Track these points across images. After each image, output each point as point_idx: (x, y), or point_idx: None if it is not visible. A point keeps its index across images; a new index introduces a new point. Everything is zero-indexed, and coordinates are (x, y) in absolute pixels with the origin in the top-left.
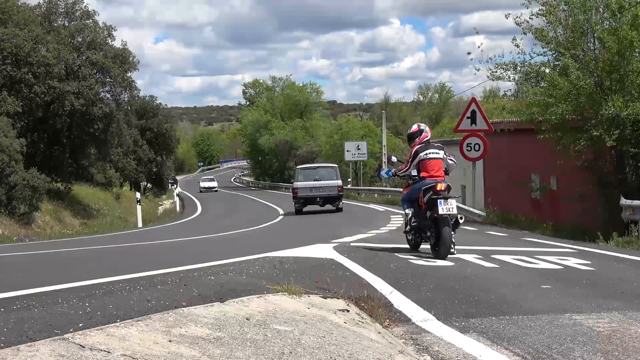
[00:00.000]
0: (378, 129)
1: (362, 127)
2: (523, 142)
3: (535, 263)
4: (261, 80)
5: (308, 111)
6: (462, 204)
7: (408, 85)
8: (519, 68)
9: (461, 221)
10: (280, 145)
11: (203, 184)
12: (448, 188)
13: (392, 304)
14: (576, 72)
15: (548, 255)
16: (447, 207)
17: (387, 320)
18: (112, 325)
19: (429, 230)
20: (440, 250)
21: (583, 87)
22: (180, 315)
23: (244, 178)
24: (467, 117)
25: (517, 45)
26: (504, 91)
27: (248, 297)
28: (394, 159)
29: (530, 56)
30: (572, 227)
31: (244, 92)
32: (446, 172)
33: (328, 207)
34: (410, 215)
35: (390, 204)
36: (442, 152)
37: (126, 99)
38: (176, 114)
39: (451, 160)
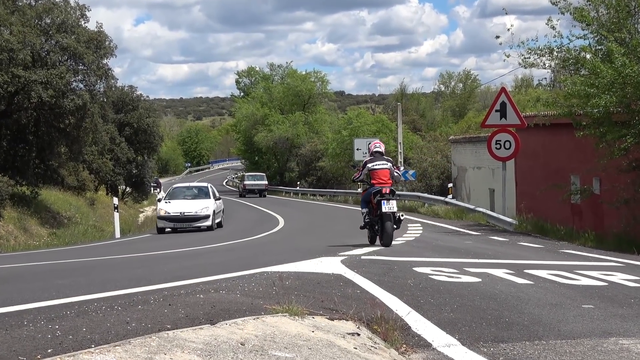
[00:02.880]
0: (393, 123)
1: (375, 121)
2: (561, 138)
3: (575, 279)
4: (257, 68)
5: (312, 103)
6: (491, 210)
7: (427, 74)
8: (555, 53)
9: (402, 218)
10: (279, 142)
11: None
12: (392, 192)
13: (409, 327)
14: (622, 58)
15: (590, 270)
16: (388, 207)
17: (404, 346)
18: (85, 351)
19: (377, 224)
20: (384, 239)
21: (630, 75)
22: (164, 339)
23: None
24: (496, 110)
25: (553, 27)
26: (538, 80)
27: (243, 318)
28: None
29: (569, 40)
30: (618, 237)
31: (237, 82)
32: (395, 181)
33: (333, 209)
34: (365, 214)
35: (407, 211)
36: (389, 164)
37: (102, 89)
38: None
39: (397, 172)
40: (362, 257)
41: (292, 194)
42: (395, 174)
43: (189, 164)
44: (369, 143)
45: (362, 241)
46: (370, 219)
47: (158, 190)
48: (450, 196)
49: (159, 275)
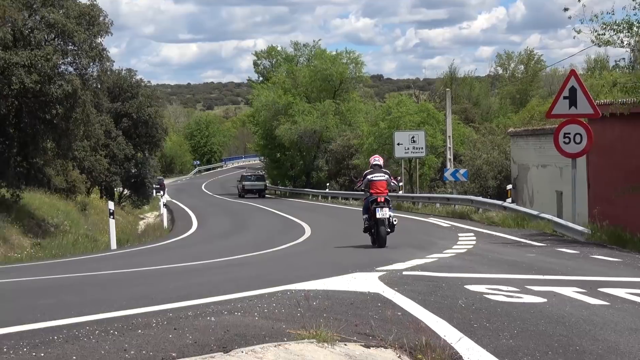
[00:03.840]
0: (441, 113)
1: (419, 111)
2: None
3: None
4: (279, 48)
5: (344, 90)
6: (558, 216)
7: (482, 53)
8: (635, 29)
9: (395, 223)
10: (305, 137)
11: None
12: (386, 200)
13: (460, 356)
14: None
15: None
16: (382, 213)
17: None
18: None
19: (374, 228)
20: (379, 242)
21: None
22: None
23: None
24: (565, 97)
25: None
26: (615, 61)
27: (262, 345)
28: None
29: None
30: None
31: (255, 64)
32: (392, 189)
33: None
34: (365, 219)
35: (459, 218)
36: (386, 175)
37: (95, 73)
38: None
39: (394, 182)
40: (404, 273)
41: (320, 198)
42: (392, 183)
43: (198, 162)
44: (411, 136)
45: (405, 254)
46: (369, 223)
47: (161, 192)
48: (509, 200)
49: (162, 294)
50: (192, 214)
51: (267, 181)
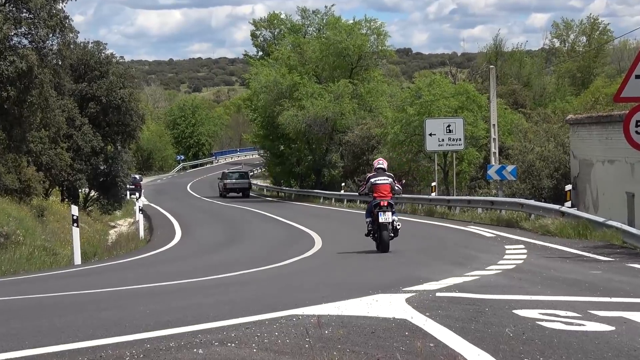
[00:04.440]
0: (483, 96)
1: (457, 93)
2: None
3: None
4: (283, 16)
5: (363, 67)
6: (629, 224)
7: (534, 22)
8: None
9: (398, 227)
10: (315, 125)
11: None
12: (389, 205)
13: None
14: None
15: None
16: (384, 217)
17: None
18: None
19: (376, 233)
20: (381, 247)
21: None
22: None
23: (255, 182)
24: (637, 76)
25: None
26: None
27: None
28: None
29: None
30: None
31: (253, 36)
32: (395, 193)
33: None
34: (368, 223)
35: (505, 226)
36: (389, 179)
37: (55, 47)
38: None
39: (397, 187)
40: (438, 295)
41: (333, 201)
42: (397, 187)
43: (182, 157)
44: (447, 124)
45: (438, 271)
46: (372, 227)
47: (137, 195)
48: (568, 204)
49: (138, 320)
50: (175, 221)
51: (266, 181)
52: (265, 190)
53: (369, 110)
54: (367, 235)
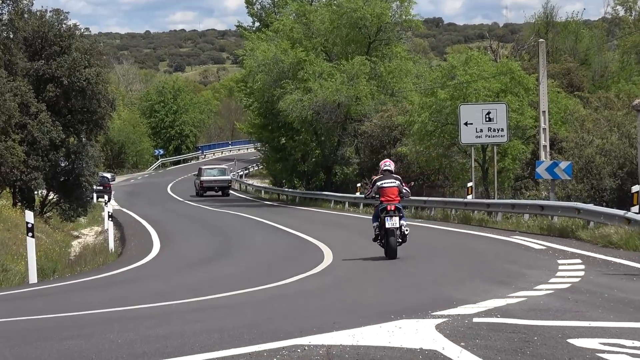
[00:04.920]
0: (531, 77)
1: (498, 73)
2: None
3: None
4: None
5: (383, 41)
6: None
7: None
8: None
9: (407, 233)
10: (325, 112)
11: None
12: (397, 209)
13: None
14: None
15: None
16: (391, 223)
17: None
18: None
19: (384, 239)
20: (388, 254)
21: None
22: None
23: (251, 182)
24: None
25: None
26: None
27: None
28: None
29: None
30: None
31: (249, 3)
32: (403, 196)
33: (423, 233)
34: (375, 227)
35: (558, 236)
36: (397, 182)
37: (5, 17)
38: (109, 47)
39: (405, 189)
40: (475, 320)
41: (347, 205)
42: (404, 190)
43: (161, 152)
44: (486, 111)
45: (475, 290)
46: (379, 232)
47: (106, 198)
48: (635, 208)
49: (107, 352)
50: (153, 230)
51: (264, 181)
52: (262, 192)
53: (390, 94)
54: (374, 240)
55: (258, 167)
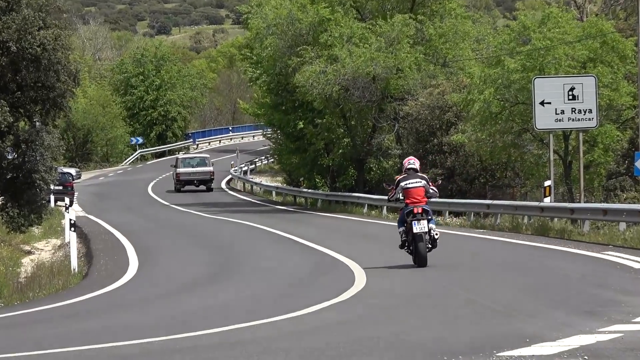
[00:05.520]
0: (628, 42)
1: (585, 36)
2: None
3: None
4: None
5: None
6: None
7: None
8: None
9: (437, 237)
10: (355, 88)
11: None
12: (425, 211)
13: None
14: None
15: None
16: (419, 227)
17: None
18: None
19: (412, 245)
20: (418, 261)
21: None
22: None
23: (258, 181)
24: None
25: None
26: None
27: None
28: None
29: None
30: None
31: None
32: (430, 197)
33: (486, 247)
34: (402, 233)
35: None
36: (423, 181)
37: None
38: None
39: (432, 189)
40: None
41: (385, 211)
42: (431, 190)
43: (140, 140)
44: (569, 86)
45: (554, 323)
46: (406, 238)
47: (67, 201)
48: None
49: None
50: (129, 244)
51: (275, 178)
52: (274, 193)
53: (442, 63)
54: (401, 247)
55: (268, 160)
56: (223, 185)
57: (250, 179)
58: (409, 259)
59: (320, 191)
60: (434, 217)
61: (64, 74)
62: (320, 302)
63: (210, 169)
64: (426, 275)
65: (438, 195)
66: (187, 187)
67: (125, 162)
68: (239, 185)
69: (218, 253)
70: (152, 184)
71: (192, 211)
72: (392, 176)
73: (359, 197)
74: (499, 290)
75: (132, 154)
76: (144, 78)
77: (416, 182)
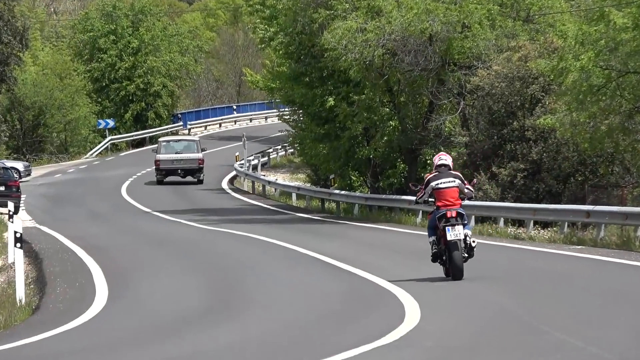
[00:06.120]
0: None
1: None
2: None
3: None
4: None
5: None
6: None
7: None
8: None
9: (474, 245)
10: (405, 52)
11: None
12: (460, 215)
13: None
14: None
15: None
16: (454, 233)
17: None
18: None
19: (445, 255)
20: (453, 273)
21: None
22: None
23: (273, 179)
24: None
25: None
26: None
27: None
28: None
29: None
30: None
31: None
32: (466, 198)
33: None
34: (432, 242)
35: None
36: (457, 180)
37: None
38: None
39: (468, 189)
40: None
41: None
42: (467, 190)
43: (111, 124)
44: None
45: None
46: (437, 248)
47: (11, 207)
48: None
49: None
50: (95, 266)
51: (296, 175)
52: (294, 196)
53: (524, 18)
54: (433, 260)
55: (286, 151)
56: (224, 184)
57: (262, 177)
58: (482, 287)
59: (357, 193)
60: (469, 223)
61: (6, 32)
62: (358, 345)
63: (199, 155)
64: (501, 305)
65: (474, 196)
66: (170, 178)
67: (90, 153)
68: (246, 186)
69: (218, 278)
70: (127, 183)
71: (182, 220)
72: (463, 176)
73: (410, 202)
74: (607, 330)
75: (100, 143)
76: (116, 39)
77: (449, 182)
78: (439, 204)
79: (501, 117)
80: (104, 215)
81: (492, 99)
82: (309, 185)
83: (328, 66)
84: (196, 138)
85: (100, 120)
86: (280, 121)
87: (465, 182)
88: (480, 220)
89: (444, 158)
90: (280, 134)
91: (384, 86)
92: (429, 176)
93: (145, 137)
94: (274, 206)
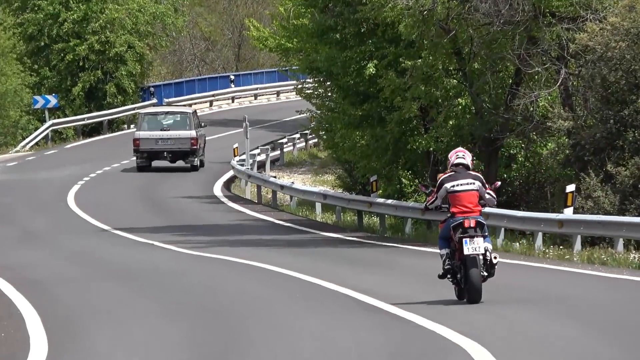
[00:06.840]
0: None
1: None
2: None
3: None
4: None
5: None
6: None
7: None
8: None
9: (495, 261)
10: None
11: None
12: (480, 224)
13: None
14: None
15: None
16: (472, 247)
17: None
18: None
19: (460, 272)
20: (470, 294)
21: None
22: None
23: (288, 183)
24: None
25: None
26: None
27: None
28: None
29: None
30: None
31: None
32: (487, 205)
33: None
34: (445, 256)
35: None
36: (477, 182)
37: None
38: None
39: (489, 194)
40: None
41: (540, 239)
42: (487, 196)
43: (53, 102)
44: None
45: None
46: (451, 264)
47: None
48: None
49: None
50: (29, 307)
51: (320, 176)
52: (318, 207)
53: None
54: (442, 276)
55: (306, 141)
56: (217, 190)
57: (272, 179)
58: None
59: (411, 203)
60: (489, 235)
61: None
62: None
63: (192, 132)
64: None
65: (496, 202)
66: (157, 162)
67: (23, 144)
68: (249, 192)
69: (207, 328)
70: (76, 188)
71: (156, 242)
72: (556, 174)
73: (488, 215)
74: None
75: (37, 129)
76: None
77: (467, 184)
78: (454, 210)
79: (620, 92)
80: (42, 236)
81: (607, 65)
82: (340, 191)
83: (368, 18)
84: (189, 110)
85: (37, 97)
86: (298, 97)
87: (487, 185)
88: (590, 242)
89: (461, 155)
90: (298, 116)
91: (449, 47)
92: (442, 176)
93: (102, 122)
94: (288, 221)
